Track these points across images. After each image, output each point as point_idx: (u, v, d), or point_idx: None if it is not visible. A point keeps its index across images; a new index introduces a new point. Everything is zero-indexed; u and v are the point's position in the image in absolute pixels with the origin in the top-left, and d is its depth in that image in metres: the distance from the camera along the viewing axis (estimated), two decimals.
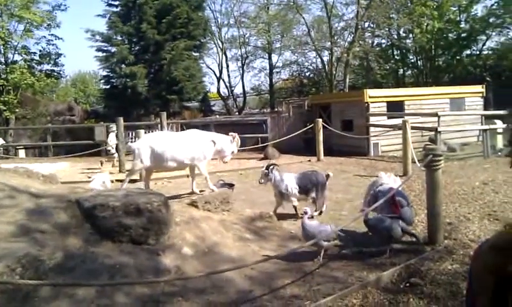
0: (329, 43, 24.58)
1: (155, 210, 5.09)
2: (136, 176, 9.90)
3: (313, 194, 7.23)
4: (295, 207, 7.28)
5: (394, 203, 5.14)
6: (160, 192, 6.16)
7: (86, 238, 4.68)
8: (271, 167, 7.34)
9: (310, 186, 7.22)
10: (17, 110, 21.86)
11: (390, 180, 5.91)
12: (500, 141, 13.66)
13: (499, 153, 12.80)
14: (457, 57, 27.83)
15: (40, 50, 23.83)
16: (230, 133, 8.55)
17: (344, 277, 4.62)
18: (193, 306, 3.99)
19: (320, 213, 7.19)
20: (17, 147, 19.14)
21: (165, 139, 8.34)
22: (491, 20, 26.17)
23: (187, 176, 10.62)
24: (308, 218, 5.26)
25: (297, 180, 7.28)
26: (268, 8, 28.50)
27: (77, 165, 13.68)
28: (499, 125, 13.69)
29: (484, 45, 27.92)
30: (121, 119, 13.29)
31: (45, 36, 23.69)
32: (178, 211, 5.87)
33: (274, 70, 31.10)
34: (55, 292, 3.80)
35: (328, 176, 7.51)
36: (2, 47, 21.69)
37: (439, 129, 12.16)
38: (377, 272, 4.64)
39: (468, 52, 28.24)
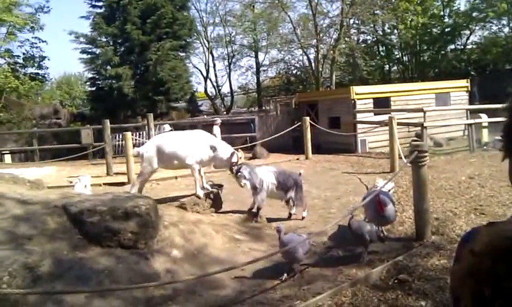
0: (315, 40, 24.64)
1: (143, 213, 5.07)
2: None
3: (291, 194, 6.92)
4: (258, 209, 6.82)
5: (379, 202, 5.16)
6: (148, 196, 6.13)
7: (74, 244, 4.65)
8: (238, 168, 7.01)
9: (291, 184, 6.92)
10: (1, 114, 21.57)
11: (387, 185, 5.89)
12: (485, 135, 13.82)
13: (485, 147, 12.95)
14: (442, 52, 28.15)
15: (24, 53, 23.64)
16: (234, 149, 8.23)
17: (333, 275, 4.64)
18: (184, 301, 3.98)
19: (303, 218, 6.95)
20: (3, 152, 18.88)
21: (171, 140, 8.27)
22: (474, 14, 26.47)
23: (175, 177, 10.59)
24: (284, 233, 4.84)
25: (276, 174, 6.99)
26: (253, 6, 28.49)
27: (64, 169, 13.54)
28: (484, 118, 13.85)
29: (468, 39, 28.28)
30: (107, 122, 13.19)
31: (28, 39, 23.48)
32: (166, 214, 5.85)
33: (261, 68, 31.14)
34: (44, 299, 3.77)
35: (300, 174, 7.25)
36: None
37: (425, 124, 12.27)
38: (366, 269, 4.68)
39: (453, 46, 28.59)
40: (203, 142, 7.90)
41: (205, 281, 4.49)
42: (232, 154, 7.46)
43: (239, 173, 6.86)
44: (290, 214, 7.08)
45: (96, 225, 4.87)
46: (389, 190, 6.01)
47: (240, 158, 7.77)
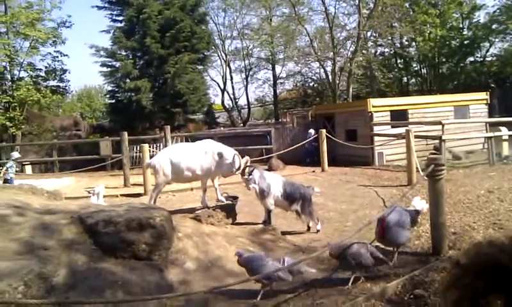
0: (332, 53, 24.66)
1: (157, 225, 5.10)
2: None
3: (297, 207, 6.94)
4: (269, 212, 7.06)
5: (382, 224, 5.07)
6: (162, 207, 6.17)
7: (89, 255, 4.69)
8: (251, 170, 7.15)
9: (297, 196, 6.94)
10: (23, 126, 22.01)
11: (420, 204, 5.75)
12: (506, 148, 13.58)
13: (505, 161, 12.71)
14: (461, 65, 27.84)
15: (46, 67, 24.07)
16: (245, 157, 8.26)
17: (347, 290, 4.58)
18: None
19: (318, 231, 6.98)
20: (24, 163, 19.25)
21: (181, 151, 8.38)
22: (493, 26, 26.17)
23: (191, 189, 10.64)
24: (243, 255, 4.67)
25: (284, 184, 7.07)
26: (271, 20, 28.71)
27: (82, 179, 13.74)
28: (504, 131, 13.61)
29: (487, 51, 27.92)
30: (125, 134, 13.36)
31: (50, 53, 23.94)
32: (181, 225, 5.88)
33: (278, 81, 31.28)
34: None
35: (312, 188, 7.27)
36: (8, 64, 21.93)
37: (443, 137, 12.11)
38: (381, 283, 4.61)
39: (472, 59, 28.24)
40: (210, 152, 7.98)
41: (218, 293, 4.48)
42: (242, 159, 7.56)
43: (250, 176, 6.93)
44: (308, 227, 7.08)
45: (112, 236, 4.91)
46: (422, 209, 5.77)
47: (247, 163, 7.83)
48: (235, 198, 8.00)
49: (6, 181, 11.39)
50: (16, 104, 21.46)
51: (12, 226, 4.98)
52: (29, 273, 4.07)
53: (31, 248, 4.59)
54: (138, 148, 16.28)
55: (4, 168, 11.96)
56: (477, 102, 16.55)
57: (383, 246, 5.33)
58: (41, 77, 23.88)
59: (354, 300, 4.20)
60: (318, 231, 6.91)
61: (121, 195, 10.82)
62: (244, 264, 4.52)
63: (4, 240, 4.69)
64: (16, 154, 12.44)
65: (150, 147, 13.15)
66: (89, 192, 9.46)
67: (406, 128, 11.62)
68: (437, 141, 12.75)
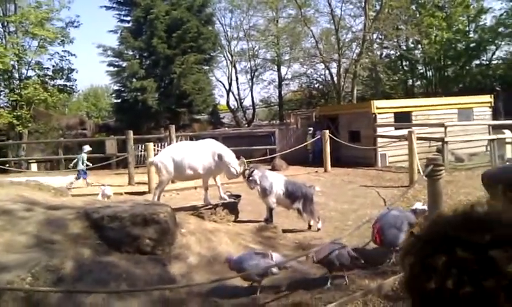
0: (337, 55, 24.75)
1: (161, 220, 5.23)
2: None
3: (298, 205, 7.10)
4: (271, 210, 7.22)
5: (378, 231, 5.17)
6: (166, 204, 6.31)
7: (94, 248, 4.84)
8: (251, 171, 7.35)
9: (298, 195, 7.11)
10: (30, 124, 22.24)
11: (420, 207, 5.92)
12: (509, 151, 13.60)
13: (507, 163, 12.75)
14: (467, 68, 27.81)
15: (53, 66, 24.25)
16: (241, 158, 8.41)
17: (345, 286, 4.70)
18: (199, 305, 4.11)
19: (318, 229, 7.12)
20: (29, 161, 19.48)
21: (183, 149, 8.52)
22: (500, 29, 26.14)
23: (195, 188, 10.78)
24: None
25: (286, 183, 7.25)
26: (277, 21, 28.83)
27: (88, 178, 13.89)
28: (508, 134, 13.65)
29: (493, 54, 27.88)
30: (130, 133, 13.52)
31: (58, 52, 24.12)
32: (184, 222, 6.01)
33: (283, 82, 31.36)
34: (64, 300, 3.95)
35: (313, 188, 7.44)
36: (16, 63, 22.16)
37: (446, 139, 12.18)
38: (378, 280, 4.71)
39: (478, 62, 28.20)
40: (211, 152, 8.11)
41: (219, 287, 4.61)
42: (242, 163, 7.69)
43: (251, 177, 7.08)
44: (309, 225, 7.20)
45: (117, 231, 5.05)
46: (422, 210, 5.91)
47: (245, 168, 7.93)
48: (237, 197, 8.13)
49: (78, 173, 12.45)
50: (23, 103, 21.69)
51: (20, 221, 5.14)
52: (37, 265, 4.22)
53: (39, 241, 4.75)
54: (143, 147, 16.46)
55: (76, 160, 12.78)
56: (481, 105, 16.56)
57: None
58: (49, 76, 24.09)
59: (352, 295, 4.31)
60: (319, 229, 7.03)
61: (126, 193, 10.97)
62: (235, 267, 4.56)
63: (12, 234, 4.85)
64: (87, 147, 13.00)
65: (155, 146, 13.32)
66: (103, 185, 9.77)
67: (409, 130, 11.70)
68: (440, 143, 12.81)
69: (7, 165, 16.83)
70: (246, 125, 28.59)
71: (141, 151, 17.46)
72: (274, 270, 4.55)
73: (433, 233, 0.74)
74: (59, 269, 4.29)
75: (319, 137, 15.67)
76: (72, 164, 13.38)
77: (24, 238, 4.76)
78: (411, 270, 0.73)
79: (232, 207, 7.46)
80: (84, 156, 12.54)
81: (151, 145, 12.10)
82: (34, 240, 4.73)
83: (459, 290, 0.64)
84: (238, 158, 8.22)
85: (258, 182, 7.12)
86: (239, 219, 7.42)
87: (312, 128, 17.03)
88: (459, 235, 0.68)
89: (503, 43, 27.04)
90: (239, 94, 31.59)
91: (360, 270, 5.07)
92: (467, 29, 28.01)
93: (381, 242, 5.18)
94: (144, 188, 11.20)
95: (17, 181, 8.41)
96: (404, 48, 28.93)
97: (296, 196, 7.10)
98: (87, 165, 12.79)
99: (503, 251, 0.64)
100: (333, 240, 5.04)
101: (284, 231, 6.93)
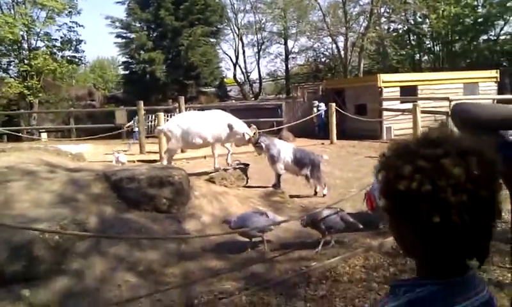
0: (344, 28, 24.70)
1: (176, 182, 5.57)
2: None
3: (306, 171, 7.44)
4: (279, 176, 7.55)
5: (369, 197, 5.42)
6: (180, 167, 6.64)
7: (115, 207, 5.19)
8: (258, 137, 7.79)
9: (306, 161, 7.44)
10: (40, 94, 22.57)
11: None
12: None
13: (510, 137, 12.95)
14: (474, 43, 27.64)
15: (62, 37, 24.45)
16: (252, 126, 8.75)
17: (348, 244, 5.05)
18: (212, 258, 4.48)
19: (324, 195, 7.43)
20: (40, 130, 19.85)
21: (191, 118, 8.81)
22: (508, 4, 25.88)
23: (204, 157, 11.10)
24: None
25: (293, 150, 7.60)
26: None
27: (98, 147, 14.26)
28: None
29: (501, 30, 27.66)
30: (141, 103, 13.82)
31: (66, 23, 24.29)
32: (197, 185, 6.35)
33: (290, 56, 31.40)
34: (91, 249, 4.32)
35: (321, 156, 7.77)
36: (25, 33, 22.36)
37: (450, 113, 12.36)
38: (379, 239, 5.05)
39: (485, 37, 27.99)
40: (221, 121, 8.41)
41: (232, 243, 4.98)
42: (253, 132, 8.00)
43: (258, 144, 7.43)
44: (315, 192, 7.54)
45: (135, 191, 5.40)
46: None
47: (255, 133, 8.25)
48: (246, 165, 8.45)
49: (132, 131, 14.90)
50: (33, 73, 21.97)
51: (44, 181, 5.48)
52: (64, 219, 4.58)
53: (63, 199, 5.10)
54: (153, 117, 16.77)
55: (132, 121, 15.01)
56: (487, 80, 16.67)
57: None
58: (57, 47, 24.29)
59: (354, 251, 4.66)
60: (324, 195, 7.36)
61: (138, 161, 11.32)
62: (236, 227, 4.81)
63: (38, 192, 5.20)
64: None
65: (165, 116, 13.69)
66: (119, 152, 10.26)
67: (414, 103, 11.90)
68: (444, 117, 13.01)
69: (20, 134, 17.21)
70: (253, 99, 28.76)
71: (150, 122, 17.77)
72: (272, 226, 4.95)
73: (400, 151, 1.02)
74: (85, 223, 4.65)
75: (323, 110, 15.93)
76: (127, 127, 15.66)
77: (49, 196, 5.10)
78: (385, 180, 1.01)
79: (241, 172, 7.79)
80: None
81: (162, 115, 12.39)
82: (59, 198, 5.08)
83: (421, 189, 0.92)
84: (249, 127, 8.54)
85: (265, 148, 7.48)
86: (248, 185, 7.75)
87: (316, 102, 17.27)
88: (419, 150, 0.96)
89: (511, 17, 26.81)
90: (245, 68, 31.74)
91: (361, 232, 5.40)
92: (475, 3, 27.73)
93: (372, 207, 5.46)
94: (156, 157, 11.54)
95: (36, 146, 8.76)
96: (412, 22, 28.73)
97: (304, 163, 7.45)
98: (132, 130, 14.61)
99: (450, 159, 0.92)
100: (329, 206, 5.33)
101: (291, 196, 7.26)
